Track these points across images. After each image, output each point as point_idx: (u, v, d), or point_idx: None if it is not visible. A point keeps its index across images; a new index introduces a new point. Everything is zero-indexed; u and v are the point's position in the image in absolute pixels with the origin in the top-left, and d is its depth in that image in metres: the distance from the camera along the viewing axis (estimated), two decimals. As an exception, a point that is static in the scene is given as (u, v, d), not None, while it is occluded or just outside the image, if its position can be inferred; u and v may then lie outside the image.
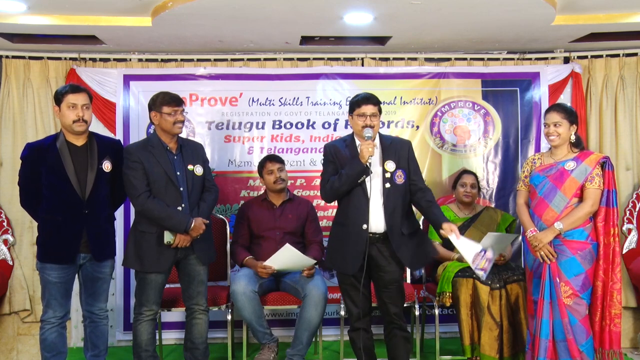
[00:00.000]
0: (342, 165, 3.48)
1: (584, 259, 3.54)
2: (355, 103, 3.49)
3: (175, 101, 3.67)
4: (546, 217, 3.59)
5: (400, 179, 3.48)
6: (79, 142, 3.53)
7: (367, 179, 3.41)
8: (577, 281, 3.53)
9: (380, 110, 3.51)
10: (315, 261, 4.06)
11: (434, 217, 3.47)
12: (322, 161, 3.71)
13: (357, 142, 3.51)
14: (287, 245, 3.95)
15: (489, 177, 4.97)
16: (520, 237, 4.89)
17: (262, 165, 4.37)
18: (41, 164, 3.46)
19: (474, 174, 4.49)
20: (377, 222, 3.43)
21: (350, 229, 3.45)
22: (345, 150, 3.53)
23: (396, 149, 3.53)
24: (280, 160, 4.35)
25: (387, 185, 3.45)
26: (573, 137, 3.64)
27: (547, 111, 3.72)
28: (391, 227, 3.43)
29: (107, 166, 3.56)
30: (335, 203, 3.63)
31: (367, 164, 3.36)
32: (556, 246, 3.58)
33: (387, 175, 3.46)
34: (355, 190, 3.44)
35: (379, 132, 3.57)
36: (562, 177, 3.58)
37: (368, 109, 3.45)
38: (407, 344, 3.60)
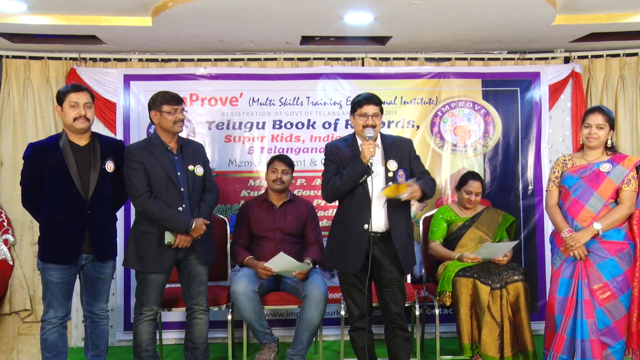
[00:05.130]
0: (343, 165, 3.48)
1: (622, 260, 3.52)
2: (357, 103, 3.49)
3: (175, 100, 3.67)
4: (581, 217, 3.57)
5: (401, 178, 3.47)
6: (82, 142, 3.53)
7: (369, 179, 3.40)
8: (615, 283, 3.51)
9: (381, 110, 3.51)
10: (310, 266, 4.06)
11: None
12: (323, 161, 3.71)
13: (359, 141, 3.51)
14: (281, 253, 3.96)
15: (489, 177, 4.97)
16: (520, 239, 4.90)
17: (270, 161, 4.38)
18: (44, 164, 3.46)
19: (481, 180, 4.41)
20: (379, 221, 3.42)
21: (351, 228, 3.45)
22: (346, 149, 3.53)
23: (398, 149, 3.53)
24: (288, 163, 4.34)
25: (390, 184, 3.45)
26: (610, 142, 3.63)
27: (591, 112, 3.65)
28: (394, 226, 3.43)
29: (110, 166, 3.56)
30: (336, 203, 3.63)
31: (369, 163, 3.35)
32: (593, 247, 3.54)
33: (390, 174, 3.46)
34: (357, 190, 3.43)
35: (380, 132, 3.56)
36: (598, 178, 3.57)
37: (370, 109, 3.45)
38: (407, 344, 3.59)
